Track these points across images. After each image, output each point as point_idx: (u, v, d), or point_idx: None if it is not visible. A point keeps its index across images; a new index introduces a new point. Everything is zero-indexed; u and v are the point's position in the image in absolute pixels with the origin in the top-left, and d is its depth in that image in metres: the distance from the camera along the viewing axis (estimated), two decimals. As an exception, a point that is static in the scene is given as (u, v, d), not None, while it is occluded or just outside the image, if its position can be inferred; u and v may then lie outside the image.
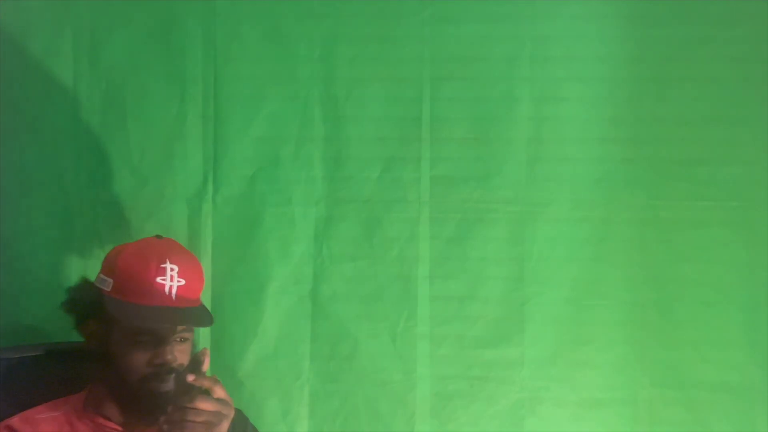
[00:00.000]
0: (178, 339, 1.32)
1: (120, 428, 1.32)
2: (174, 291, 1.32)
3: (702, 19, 1.57)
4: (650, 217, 1.58)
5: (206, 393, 1.20)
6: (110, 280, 1.33)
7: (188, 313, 1.34)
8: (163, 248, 1.37)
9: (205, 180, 1.61)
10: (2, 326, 1.57)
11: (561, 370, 1.58)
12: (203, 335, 1.58)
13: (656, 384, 1.56)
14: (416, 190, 1.60)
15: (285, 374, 1.59)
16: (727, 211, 1.57)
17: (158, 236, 1.42)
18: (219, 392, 1.21)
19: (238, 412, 1.42)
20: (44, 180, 1.62)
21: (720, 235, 1.57)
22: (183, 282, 1.34)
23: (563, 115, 1.59)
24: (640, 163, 1.58)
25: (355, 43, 1.60)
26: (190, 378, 1.19)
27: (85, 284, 1.40)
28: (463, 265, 1.59)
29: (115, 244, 1.59)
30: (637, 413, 1.56)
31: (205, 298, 1.58)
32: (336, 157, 1.61)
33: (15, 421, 1.31)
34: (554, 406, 1.57)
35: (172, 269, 1.33)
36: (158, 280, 1.32)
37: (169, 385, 1.28)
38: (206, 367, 1.23)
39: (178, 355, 1.31)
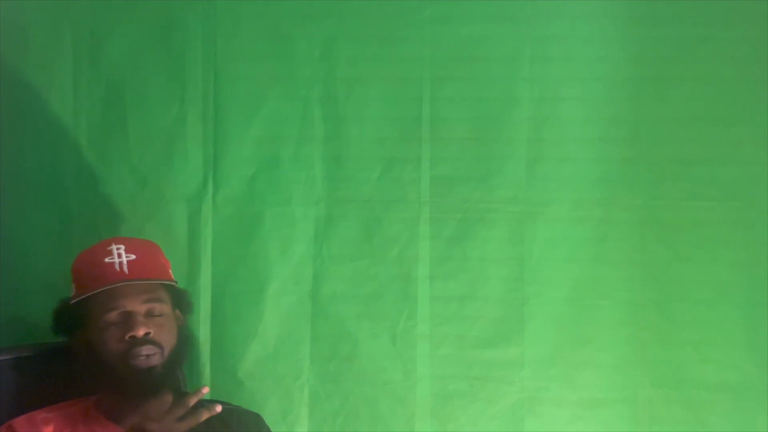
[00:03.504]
0: (150, 313, 1.32)
1: (122, 430, 1.32)
2: (125, 266, 1.33)
3: (702, 19, 1.57)
4: (650, 217, 1.58)
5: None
6: (73, 286, 1.37)
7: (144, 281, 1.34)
8: (107, 240, 1.40)
9: (205, 180, 1.61)
10: (2, 326, 1.57)
11: (561, 370, 1.58)
12: (203, 335, 1.58)
13: (656, 384, 1.56)
14: (416, 190, 1.60)
15: (285, 374, 1.59)
16: (727, 211, 1.57)
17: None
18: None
19: (254, 415, 1.43)
20: (44, 180, 1.61)
21: (720, 235, 1.57)
22: (133, 257, 1.34)
23: (563, 115, 1.59)
24: (640, 163, 1.58)
25: (355, 43, 1.60)
26: None
27: (60, 304, 1.39)
28: (463, 265, 1.59)
29: (116, 244, 1.60)
30: (637, 413, 1.56)
31: (205, 298, 1.59)
32: (336, 157, 1.61)
33: (18, 421, 1.31)
34: (554, 406, 1.57)
35: (118, 248, 1.35)
36: (106, 260, 1.33)
37: (148, 360, 1.29)
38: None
39: (154, 328, 1.30)
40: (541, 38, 1.60)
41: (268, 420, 1.48)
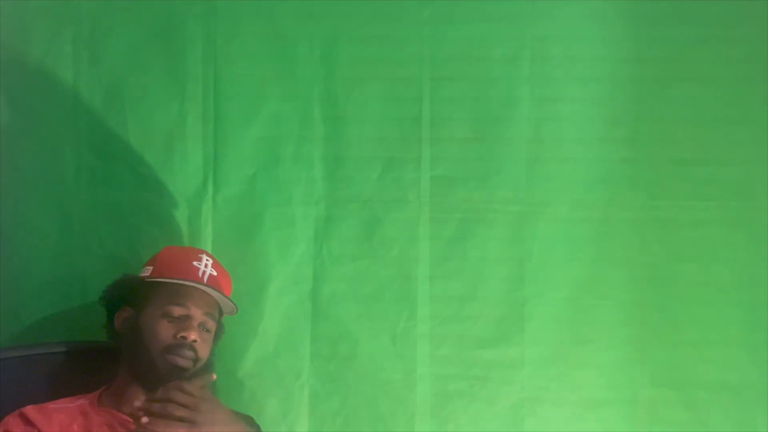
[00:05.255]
0: (203, 325, 1.39)
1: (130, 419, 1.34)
2: (207, 276, 1.42)
3: (702, 19, 1.58)
4: (650, 217, 1.58)
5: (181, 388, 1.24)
6: (150, 268, 1.45)
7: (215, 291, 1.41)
8: (200, 249, 1.52)
9: (205, 180, 1.61)
10: (2, 326, 1.57)
11: (561, 370, 1.58)
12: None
13: (656, 384, 1.56)
14: (416, 190, 1.60)
15: (285, 374, 1.59)
16: (727, 211, 1.57)
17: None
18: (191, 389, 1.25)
19: (248, 417, 1.45)
20: (44, 180, 1.62)
21: (720, 235, 1.57)
22: (215, 273, 1.45)
23: (563, 115, 1.59)
24: (640, 163, 1.58)
25: (355, 43, 1.60)
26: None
27: (124, 276, 1.46)
28: (463, 265, 1.59)
29: (115, 244, 1.60)
30: (637, 413, 1.56)
31: (205, 298, 1.59)
32: (336, 157, 1.61)
33: (29, 409, 1.33)
34: (554, 406, 1.57)
35: (207, 259, 1.46)
36: (194, 263, 1.43)
37: (186, 362, 1.34)
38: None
39: (200, 340, 1.37)
40: (541, 38, 1.60)
41: (269, 419, 1.49)
